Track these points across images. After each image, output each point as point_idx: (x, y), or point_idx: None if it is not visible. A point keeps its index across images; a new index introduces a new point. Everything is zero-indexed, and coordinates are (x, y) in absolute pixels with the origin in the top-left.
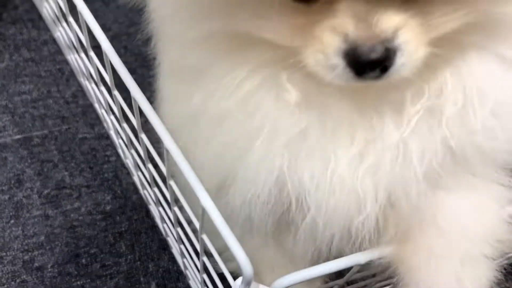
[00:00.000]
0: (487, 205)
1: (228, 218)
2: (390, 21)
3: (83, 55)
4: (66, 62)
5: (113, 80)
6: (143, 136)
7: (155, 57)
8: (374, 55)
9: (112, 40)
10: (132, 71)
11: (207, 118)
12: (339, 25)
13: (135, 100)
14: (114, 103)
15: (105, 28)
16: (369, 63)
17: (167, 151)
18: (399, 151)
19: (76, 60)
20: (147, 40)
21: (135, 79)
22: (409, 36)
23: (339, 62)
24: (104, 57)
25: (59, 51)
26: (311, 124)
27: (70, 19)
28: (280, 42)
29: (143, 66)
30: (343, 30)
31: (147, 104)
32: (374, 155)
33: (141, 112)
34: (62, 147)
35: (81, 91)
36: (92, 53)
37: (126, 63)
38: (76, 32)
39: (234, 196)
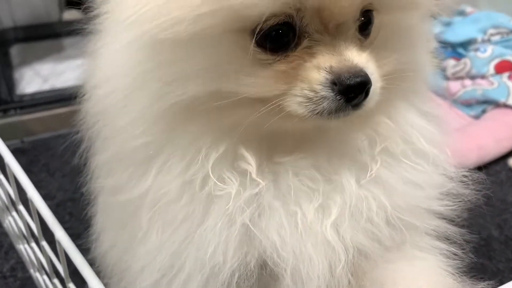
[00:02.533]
0: (432, 266)
1: None
2: (361, 56)
3: (15, 213)
4: (5, 234)
5: (40, 232)
6: None
7: None
8: (359, 79)
9: (57, 207)
10: (76, 236)
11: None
12: (322, 62)
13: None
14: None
15: (49, 196)
16: (356, 86)
17: None
18: (360, 200)
19: (10, 222)
20: None
21: (81, 245)
22: (373, 69)
23: (328, 93)
24: (32, 211)
25: None
26: (267, 184)
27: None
28: (263, 93)
29: (88, 231)
30: (327, 65)
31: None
32: (337, 207)
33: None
34: None
35: (20, 263)
36: (21, 207)
37: (71, 228)
38: (7, 191)
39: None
